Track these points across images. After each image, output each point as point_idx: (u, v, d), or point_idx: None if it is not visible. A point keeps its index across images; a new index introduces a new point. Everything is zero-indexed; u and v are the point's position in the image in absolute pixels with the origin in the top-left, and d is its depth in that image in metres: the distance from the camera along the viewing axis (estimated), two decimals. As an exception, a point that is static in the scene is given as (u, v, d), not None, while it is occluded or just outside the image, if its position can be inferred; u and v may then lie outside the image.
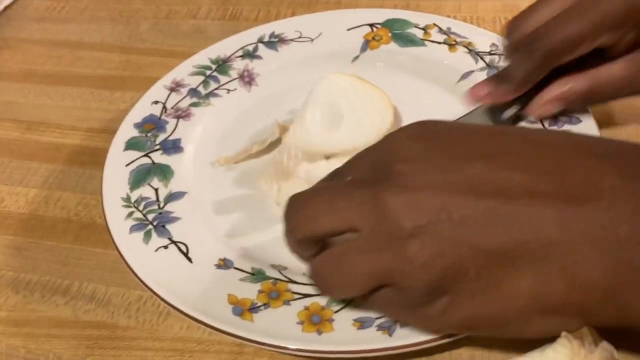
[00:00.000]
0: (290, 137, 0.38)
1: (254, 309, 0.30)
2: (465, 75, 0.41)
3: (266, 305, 0.30)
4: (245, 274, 0.32)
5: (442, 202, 0.22)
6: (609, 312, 0.22)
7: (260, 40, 0.45)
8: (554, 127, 0.37)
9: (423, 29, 0.44)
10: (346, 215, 0.24)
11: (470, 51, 0.42)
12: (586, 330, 0.23)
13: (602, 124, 0.37)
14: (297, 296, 0.31)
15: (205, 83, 0.43)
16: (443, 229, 0.22)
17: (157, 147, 0.39)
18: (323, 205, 0.25)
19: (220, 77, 0.44)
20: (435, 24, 0.44)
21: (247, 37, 0.46)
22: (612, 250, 0.21)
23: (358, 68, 0.43)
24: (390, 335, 0.28)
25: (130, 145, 0.39)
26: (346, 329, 0.29)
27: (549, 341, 0.23)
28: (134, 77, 0.50)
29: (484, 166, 0.23)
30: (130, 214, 0.35)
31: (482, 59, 0.42)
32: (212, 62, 0.44)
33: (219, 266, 0.33)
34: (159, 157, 0.39)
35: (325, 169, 0.36)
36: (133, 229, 0.34)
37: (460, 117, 0.37)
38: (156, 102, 0.42)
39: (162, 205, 0.36)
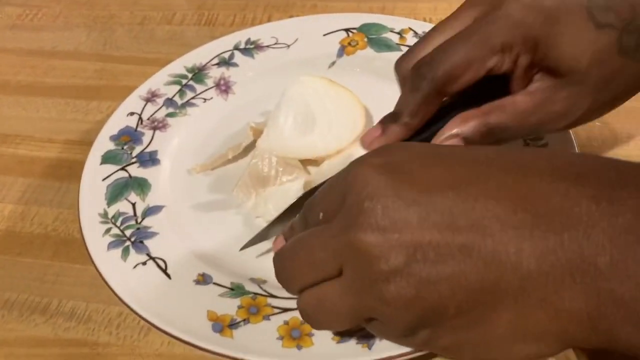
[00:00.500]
0: (264, 142, 0.38)
1: (233, 325, 0.30)
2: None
3: (246, 321, 0.30)
4: (224, 289, 0.32)
5: (416, 240, 0.22)
6: (592, 340, 0.21)
7: (236, 47, 0.45)
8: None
9: (399, 33, 0.44)
10: (327, 266, 0.24)
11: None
12: (572, 352, 0.22)
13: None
14: (276, 310, 0.30)
15: (181, 93, 0.42)
16: (420, 269, 0.21)
17: (134, 160, 0.38)
18: (304, 261, 0.25)
19: (196, 86, 0.43)
20: (410, 28, 0.44)
21: (223, 44, 0.45)
22: (592, 280, 0.20)
23: (335, 74, 0.42)
24: (369, 348, 0.28)
25: (107, 159, 0.38)
26: (325, 343, 0.29)
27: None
28: (110, 86, 0.49)
29: (455, 197, 0.22)
30: (107, 230, 0.34)
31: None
32: (188, 70, 0.43)
33: (198, 282, 0.32)
34: (135, 171, 0.38)
35: (299, 182, 0.36)
36: (111, 245, 0.33)
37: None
38: (132, 114, 0.41)
39: (139, 220, 0.35)
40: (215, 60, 0.44)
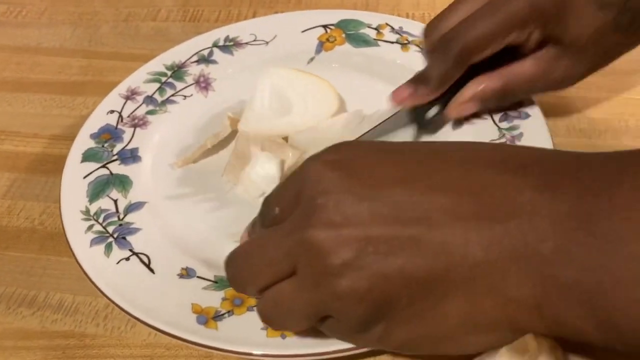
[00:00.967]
0: (244, 125, 0.38)
1: (218, 317, 0.30)
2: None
3: (230, 312, 0.30)
4: (208, 282, 0.31)
5: (367, 234, 0.22)
6: (541, 327, 0.22)
7: (215, 45, 0.44)
8: (504, 123, 0.36)
9: (376, 28, 0.43)
10: (281, 265, 0.24)
11: (422, 49, 0.42)
12: (531, 339, 0.22)
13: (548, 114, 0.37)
14: (259, 301, 0.30)
15: (161, 90, 0.42)
16: (371, 262, 0.22)
17: (115, 157, 0.38)
18: (259, 262, 0.25)
19: (176, 83, 0.42)
20: (387, 24, 0.43)
21: (202, 41, 0.44)
22: (537, 267, 0.21)
23: (314, 70, 0.42)
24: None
25: (88, 156, 0.38)
26: (309, 331, 0.28)
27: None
28: (95, 82, 0.48)
29: (404, 191, 0.22)
30: (90, 227, 0.34)
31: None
32: (167, 68, 0.43)
33: (181, 275, 0.32)
34: (117, 168, 0.37)
35: (285, 148, 0.36)
36: (94, 242, 0.33)
37: (385, 120, 0.36)
38: (112, 112, 0.40)
39: (122, 216, 0.35)
40: (195, 58, 0.43)
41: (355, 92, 0.41)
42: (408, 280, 0.21)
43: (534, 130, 0.36)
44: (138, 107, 0.41)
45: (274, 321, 0.26)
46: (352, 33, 0.44)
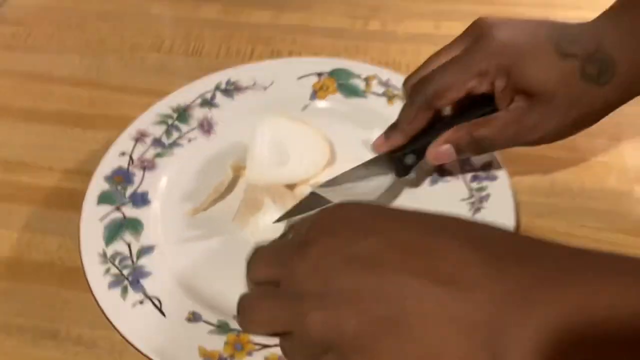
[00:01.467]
0: (249, 175, 0.40)
1: (221, 360, 0.33)
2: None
3: (232, 357, 0.33)
4: (212, 327, 0.34)
5: (335, 267, 0.24)
6: None
7: (217, 88, 0.46)
8: (474, 184, 0.39)
9: (365, 80, 0.46)
10: (275, 270, 0.26)
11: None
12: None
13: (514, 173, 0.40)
14: (257, 347, 0.33)
15: (167, 132, 0.44)
16: (332, 293, 0.23)
17: (127, 200, 0.40)
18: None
19: (181, 125, 0.44)
20: (376, 76, 0.45)
21: (205, 84, 0.46)
22: (466, 331, 0.22)
23: (307, 116, 0.44)
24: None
25: (103, 199, 0.40)
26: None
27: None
28: (104, 115, 0.49)
29: (376, 241, 0.24)
30: (107, 270, 0.36)
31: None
32: (173, 110, 0.45)
33: (189, 319, 0.35)
34: (129, 211, 0.40)
35: (289, 196, 0.39)
36: (111, 285, 0.36)
37: (363, 164, 0.39)
38: (123, 154, 0.42)
39: (135, 260, 0.37)
40: (199, 101, 0.45)
41: (344, 140, 0.43)
42: (353, 317, 0.23)
43: (499, 192, 0.39)
44: (147, 150, 0.43)
45: (244, 318, 0.27)
46: (343, 83, 0.46)
